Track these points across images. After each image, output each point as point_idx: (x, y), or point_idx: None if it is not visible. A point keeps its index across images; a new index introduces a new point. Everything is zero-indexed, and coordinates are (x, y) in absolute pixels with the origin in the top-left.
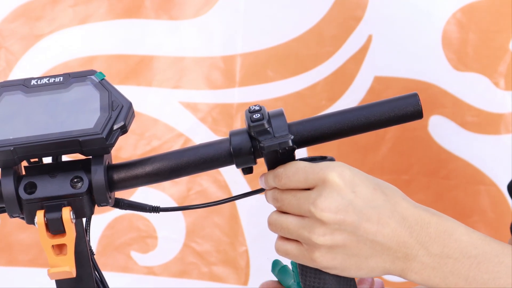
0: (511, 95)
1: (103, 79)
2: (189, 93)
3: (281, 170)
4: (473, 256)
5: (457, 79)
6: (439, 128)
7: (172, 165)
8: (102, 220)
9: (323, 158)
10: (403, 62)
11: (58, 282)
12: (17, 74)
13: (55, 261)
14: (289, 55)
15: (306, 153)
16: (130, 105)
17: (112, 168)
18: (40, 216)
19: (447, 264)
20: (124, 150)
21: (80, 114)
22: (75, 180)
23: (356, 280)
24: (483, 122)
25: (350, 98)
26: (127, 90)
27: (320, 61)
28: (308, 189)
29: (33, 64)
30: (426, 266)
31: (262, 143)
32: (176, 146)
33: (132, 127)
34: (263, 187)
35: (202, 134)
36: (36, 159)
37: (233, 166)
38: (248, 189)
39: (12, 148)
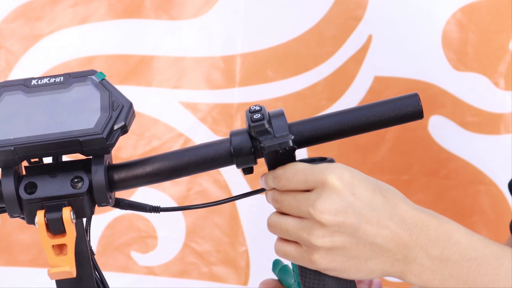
0: (511, 95)
1: (103, 79)
2: (189, 93)
3: (281, 171)
4: (472, 258)
5: (457, 79)
6: (439, 128)
7: (173, 165)
8: (102, 220)
9: (322, 159)
10: (403, 62)
11: (58, 282)
12: (17, 74)
13: (56, 261)
14: (289, 55)
15: (306, 153)
16: (130, 105)
17: (112, 168)
18: (40, 216)
19: (446, 267)
20: (124, 150)
21: (81, 114)
22: (76, 180)
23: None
24: (483, 122)
25: (350, 98)
26: (127, 90)
27: (320, 61)
28: (308, 191)
29: (33, 64)
30: (425, 269)
31: (263, 143)
32: (176, 146)
33: (132, 127)
34: (264, 187)
35: (202, 134)
36: (37, 159)
37: (234, 166)
38: (248, 189)
39: (12, 148)
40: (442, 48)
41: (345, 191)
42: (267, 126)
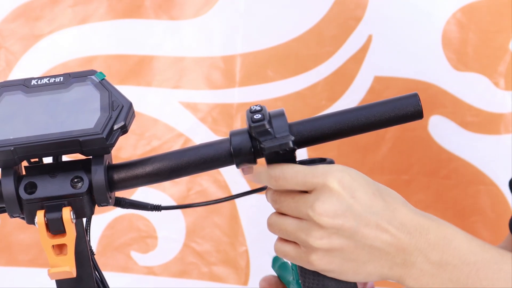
0: (511, 95)
1: (103, 79)
2: (189, 93)
3: (278, 171)
4: (472, 263)
5: (457, 79)
6: (439, 128)
7: (173, 165)
8: (102, 220)
9: (322, 160)
10: (403, 62)
11: (58, 282)
12: (17, 74)
13: (56, 261)
14: (289, 55)
15: (306, 153)
16: (130, 105)
17: (112, 168)
18: (40, 216)
19: (446, 271)
20: (124, 150)
21: (81, 114)
22: (75, 180)
23: None
24: (483, 122)
25: (350, 98)
26: (127, 90)
27: (320, 61)
28: (307, 192)
29: (33, 64)
30: (424, 273)
31: (263, 144)
32: (176, 146)
33: (132, 127)
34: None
35: (202, 134)
36: (37, 159)
37: (233, 166)
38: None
39: (12, 148)
40: (442, 48)
41: (345, 194)
42: (267, 126)
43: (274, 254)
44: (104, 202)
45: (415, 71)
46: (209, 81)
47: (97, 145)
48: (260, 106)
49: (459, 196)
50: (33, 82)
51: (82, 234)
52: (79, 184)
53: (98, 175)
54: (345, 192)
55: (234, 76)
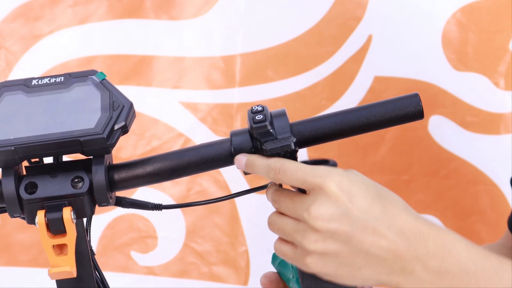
0: (511, 95)
1: (104, 79)
2: (189, 93)
3: (279, 164)
4: (472, 272)
5: (457, 79)
6: (439, 128)
7: (173, 165)
8: (102, 220)
9: (325, 162)
10: (403, 62)
11: (58, 282)
12: (17, 74)
13: (56, 261)
14: (289, 55)
15: (306, 152)
16: (131, 105)
17: (112, 168)
18: (40, 216)
19: (445, 280)
20: (124, 150)
21: (81, 114)
22: (76, 180)
23: None
24: (483, 122)
25: (350, 98)
26: (127, 90)
27: (320, 61)
28: (305, 193)
29: (33, 64)
30: (423, 281)
31: (265, 146)
32: (176, 146)
33: (132, 127)
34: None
35: (202, 134)
36: (37, 159)
37: (234, 166)
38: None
39: (13, 148)
40: (442, 48)
41: (342, 198)
42: (269, 127)
43: (273, 251)
44: (104, 202)
45: (415, 71)
46: (209, 81)
47: (97, 145)
48: (261, 106)
49: (459, 196)
50: (34, 82)
51: (83, 234)
52: (80, 184)
53: (99, 175)
54: (342, 196)
55: (234, 76)
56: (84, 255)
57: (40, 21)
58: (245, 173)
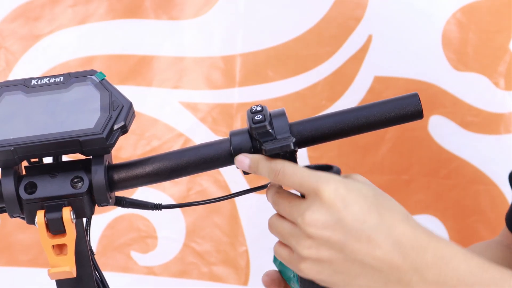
0: (511, 95)
1: (103, 79)
2: (189, 93)
3: (280, 166)
4: (470, 283)
5: (457, 79)
6: (439, 128)
7: (173, 165)
8: (102, 220)
9: (329, 168)
10: (403, 62)
11: (58, 282)
12: (17, 74)
13: (56, 261)
14: (289, 55)
15: (306, 152)
16: (130, 105)
17: (112, 168)
18: (40, 216)
19: None
20: (124, 150)
21: (81, 114)
22: (76, 180)
23: None
24: (483, 122)
25: (350, 98)
26: (127, 90)
27: (320, 61)
28: (303, 197)
29: (33, 64)
30: None
31: (264, 146)
32: (176, 146)
33: (132, 127)
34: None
35: (202, 134)
36: (37, 159)
37: (234, 166)
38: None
39: (12, 148)
40: (442, 48)
41: (337, 206)
42: (268, 128)
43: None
44: (104, 202)
45: (415, 71)
46: (209, 81)
47: (97, 145)
48: (261, 106)
49: (459, 196)
50: (33, 82)
51: (82, 234)
52: (79, 184)
53: (98, 175)
54: (337, 203)
55: (234, 76)
56: (84, 255)
57: (40, 21)
58: (245, 173)
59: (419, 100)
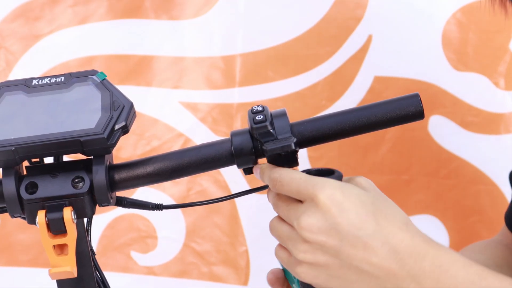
0: (511, 95)
1: (104, 79)
2: (189, 93)
3: (277, 175)
4: None
5: (457, 79)
6: (439, 128)
7: (173, 165)
8: (102, 220)
9: (330, 172)
10: (403, 62)
11: (59, 282)
12: (17, 74)
13: (56, 261)
14: (289, 55)
15: (306, 152)
16: (131, 105)
17: (113, 168)
18: (41, 216)
19: None
20: (124, 150)
21: (81, 114)
22: (76, 180)
23: None
24: (483, 122)
25: (350, 98)
26: (127, 90)
27: (320, 61)
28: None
29: (33, 64)
30: None
31: (265, 146)
32: (176, 146)
33: (132, 127)
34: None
35: (202, 134)
36: (37, 159)
37: (234, 166)
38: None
39: (13, 148)
40: (442, 48)
41: (332, 212)
42: (269, 128)
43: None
44: (105, 202)
45: (415, 71)
46: (209, 81)
47: (98, 145)
48: (262, 106)
49: (459, 196)
50: (34, 82)
51: (83, 234)
52: (80, 184)
53: (99, 175)
54: (333, 209)
55: (234, 76)
56: (85, 255)
57: (40, 21)
58: (245, 173)
59: (420, 100)
